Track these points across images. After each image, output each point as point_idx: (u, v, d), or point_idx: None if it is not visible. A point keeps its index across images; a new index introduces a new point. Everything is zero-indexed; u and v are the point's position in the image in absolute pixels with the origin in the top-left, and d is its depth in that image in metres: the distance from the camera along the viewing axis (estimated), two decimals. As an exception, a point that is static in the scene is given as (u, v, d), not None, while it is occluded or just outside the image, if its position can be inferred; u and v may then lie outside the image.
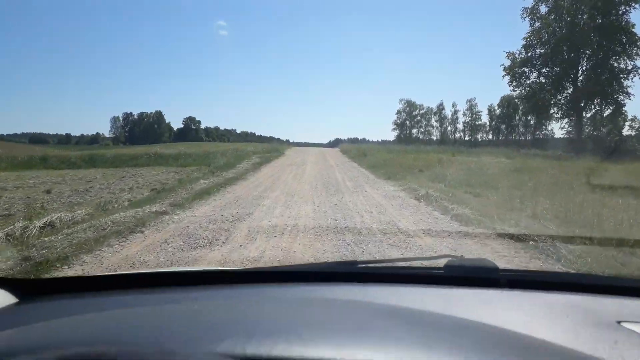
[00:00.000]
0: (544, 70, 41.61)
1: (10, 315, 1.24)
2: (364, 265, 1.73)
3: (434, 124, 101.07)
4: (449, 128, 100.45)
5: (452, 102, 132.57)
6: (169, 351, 0.76)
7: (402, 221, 7.28)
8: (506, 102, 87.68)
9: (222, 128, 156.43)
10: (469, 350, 0.80)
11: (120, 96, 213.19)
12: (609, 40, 37.71)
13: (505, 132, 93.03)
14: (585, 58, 40.52)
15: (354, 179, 15.54)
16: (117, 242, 5.73)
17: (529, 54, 41.69)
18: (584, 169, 17.88)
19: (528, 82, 42.35)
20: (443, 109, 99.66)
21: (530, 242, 5.61)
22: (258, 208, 8.40)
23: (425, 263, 1.81)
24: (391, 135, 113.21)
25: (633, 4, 36.68)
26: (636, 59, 37.50)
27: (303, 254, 5.20)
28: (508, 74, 42.28)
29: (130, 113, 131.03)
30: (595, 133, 42.73)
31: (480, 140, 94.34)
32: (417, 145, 53.97)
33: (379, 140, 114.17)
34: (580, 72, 40.61)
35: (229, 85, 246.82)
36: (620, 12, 37.52)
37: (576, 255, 5.15)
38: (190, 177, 15.47)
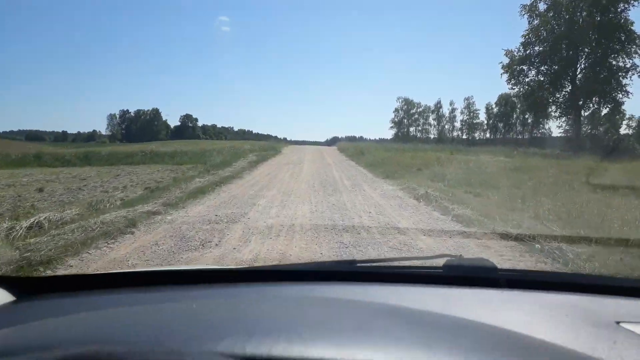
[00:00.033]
0: (542, 68, 41.49)
1: (7, 313, 1.23)
2: (363, 264, 1.72)
3: (432, 122, 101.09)
4: (446, 126, 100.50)
5: (449, 100, 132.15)
6: (168, 350, 0.75)
7: (401, 222, 7.08)
8: (504, 101, 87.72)
9: (219, 126, 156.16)
10: (468, 350, 0.79)
11: (117, 93, 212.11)
12: (608, 38, 37.61)
13: (503, 131, 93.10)
14: (583, 56, 40.43)
15: (352, 177, 15.33)
16: (106, 244, 5.50)
17: (528, 52, 41.54)
18: (584, 168, 17.74)
19: (526, 80, 42.32)
20: (441, 107, 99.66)
21: (536, 245, 5.41)
22: (253, 208, 8.18)
23: (424, 263, 1.80)
24: (389, 133, 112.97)
25: (632, 2, 36.56)
26: (635, 57, 37.53)
27: (299, 257, 4.99)
28: (506, 71, 42.14)
29: (127, 110, 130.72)
30: (593, 132, 42.66)
31: (477, 138, 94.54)
32: (414, 144, 53.82)
33: (377, 138, 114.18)
34: (578, 70, 40.52)
35: (227, 83, 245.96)
36: (619, 9, 37.44)
37: (583, 259, 4.96)
38: (185, 175, 15.27)
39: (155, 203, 8.30)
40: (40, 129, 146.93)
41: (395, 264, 1.81)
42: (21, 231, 5.98)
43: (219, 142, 66.49)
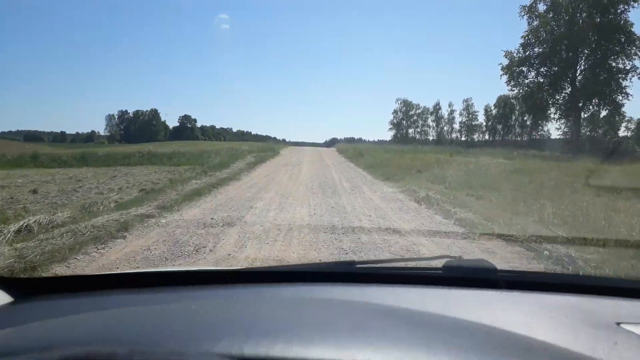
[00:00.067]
0: (542, 69, 41.24)
1: (6, 314, 1.22)
2: (361, 265, 1.71)
3: (431, 124, 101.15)
4: (445, 128, 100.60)
5: (448, 101, 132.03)
6: (166, 351, 0.74)
7: (403, 226, 6.86)
8: (503, 103, 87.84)
9: (218, 127, 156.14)
10: (468, 351, 0.78)
11: (116, 94, 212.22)
12: (608, 40, 37.43)
13: (502, 133, 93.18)
14: (583, 57, 40.22)
15: (351, 179, 15.11)
16: (95, 249, 5.27)
17: (527, 53, 41.29)
18: (585, 170, 17.61)
19: (526, 81, 42.04)
20: (440, 108, 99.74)
21: (545, 252, 5.20)
22: (250, 211, 7.95)
23: (424, 264, 1.81)
24: (387, 135, 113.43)
25: (632, 3, 36.37)
26: (635, 59, 37.28)
27: (298, 262, 4.77)
28: (506, 73, 41.88)
29: (126, 111, 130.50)
30: (592, 134, 42.51)
31: (476, 140, 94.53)
32: (413, 145, 53.75)
33: (376, 140, 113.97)
34: (578, 71, 40.31)
35: (226, 83, 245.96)
36: (619, 11, 37.21)
37: (593, 266, 4.77)
38: (182, 176, 15.06)
39: (150, 206, 8.06)
40: (39, 130, 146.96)
41: (395, 265, 1.81)
42: (9, 235, 5.76)
43: (217, 143, 66.35)
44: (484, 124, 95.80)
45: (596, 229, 6.78)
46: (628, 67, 37.52)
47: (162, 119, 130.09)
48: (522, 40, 41.41)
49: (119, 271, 2.94)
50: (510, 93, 46.85)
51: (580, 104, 40.25)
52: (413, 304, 1.24)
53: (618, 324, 1.16)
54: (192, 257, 4.95)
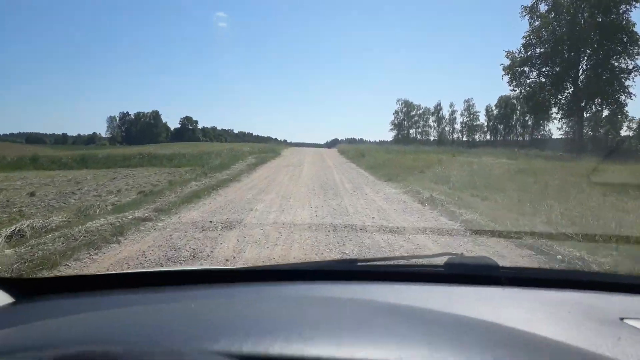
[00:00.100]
0: (544, 69, 41.02)
1: (7, 314, 1.22)
2: (363, 263, 1.69)
3: (432, 124, 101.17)
4: (446, 128, 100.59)
5: (449, 102, 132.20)
6: (166, 350, 0.73)
7: (407, 229, 6.65)
8: (504, 103, 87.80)
9: (219, 128, 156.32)
10: (470, 347, 0.77)
11: (117, 95, 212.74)
12: (610, 40, 37.19)
13: (503, 133, 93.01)
14: (585, 57, 39.97)
15: (353, 180, 14.89)
16: (88, 255, 5.05)
17: (529, 53, 41.07)
18: (589, 170, 17.40)
19: (528, 81, 41.82)
20: (441, 109, 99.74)
21: (558, 256, 4.99)
22: (250, 213, 7.74)
23: (426, 261, 1.79)
24: (389, 135, 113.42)
25: (634, 3, 36.13)
26: (637, 59, 37.04)
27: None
28: (507, 73, 41.69)
29: (127, 113, 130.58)
30: (594, 133, 42.31)
31: (477, 140, 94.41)
32: (415, 146, 53.57)
33: (377, 140, 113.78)
34: (580, 71, 40.05)
35: (227, 85, 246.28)
36: (620, 10, 36.94)
37: (607, 269, 4.55)
38: (182, 178, 14.87)
39: (147, 208, 7.85)
40: (41, 132, 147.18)
41: (397, 262, 1.79)
42: (0, 240, 5.57)
43: (218, 144, 66.22)
44: (485, 124, 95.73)
45: (607, 230, 6.58)
46: (630, 67, 37.34)
47: (164, 121, 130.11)
48: (523, 41, 41.24)
49: (119, 271, 2.89)
50: (512, 93, 46.73)
51: (583, 104, 39.99)
52: (415, 301, 1.24)
53: (621, 319, 1.15)
54: (188, 263, 4.74)
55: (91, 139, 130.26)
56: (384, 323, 0.93)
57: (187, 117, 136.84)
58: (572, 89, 40.29)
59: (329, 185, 12.92)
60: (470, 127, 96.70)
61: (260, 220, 7.09)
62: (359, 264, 1.64)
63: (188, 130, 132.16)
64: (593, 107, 41.12)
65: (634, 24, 36.58)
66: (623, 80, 37.75)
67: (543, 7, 40.14)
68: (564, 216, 7.56)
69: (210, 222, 6.95)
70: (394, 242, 5.74)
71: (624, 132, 42.09)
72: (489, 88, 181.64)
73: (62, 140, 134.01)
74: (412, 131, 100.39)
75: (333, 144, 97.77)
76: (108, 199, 10.78)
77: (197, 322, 0.93)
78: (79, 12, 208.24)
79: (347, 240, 5.79)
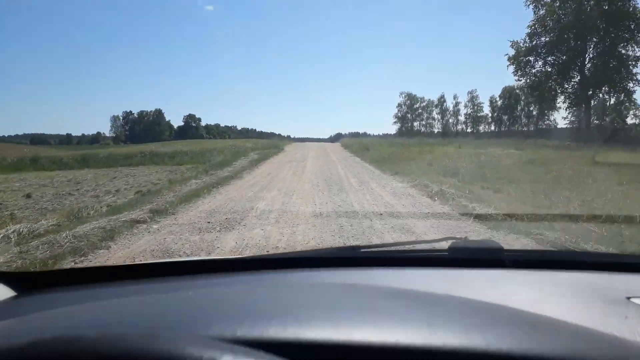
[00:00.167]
0: (549, 58, 40.56)
1: (7, 308, 1.21)
2: (366, 250, 1.67)
3: (436, 116, 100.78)
4: (450, 120, 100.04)
5: (453, 94, 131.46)
6: (138, 332, 0.68)
7: (417, 225, 6.23)
8: (508, 93, 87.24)
9: (222, 125, 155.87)
10: (472, 327, 0.74)
11: (120, 94, 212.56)
12: (617, 27, 36.72)
13: (508, 123, 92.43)
14: (592, 45, 39.48)
15: (358, 174, 14.46)
16: (72, 263, 4.65)
17: (534, 43, 40.61)
18: (600, 158, 16.94)
19: (533, 71, 41.38)
20: (444, 101, 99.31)
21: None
22: (251, 213, 7.31)
23: (429, 246, 1.78)
24: (392, 128, 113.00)
25: (640, -11, 35.49)
26: (644, 46, 36.44)
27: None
28: (512, 63, 41.28)
29: (130, 112, 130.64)
30: (600, 122, 41.74)
31: (482, 131, 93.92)
32: (419, 138, 53.24)
33: (380, 134, 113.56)
34: (587, 60, 39.48)
35: (230, 82, 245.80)
36: (627, -3, 36.30)
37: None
38: (183, 176, 14.51)
39: (143, 209, 7.44)
40: (45, 132, 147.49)
41: (400, 248, 1.75)
42: (-19, 248, 5.19)
43: (221, 141, 65.86)
44: (490, 115, 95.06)
45: (631, 223, 6.16)
46: (638, 54, 37.03)
47: (167, 119, 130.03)
48: (528, 30, 40.75)
49: (120, 263, 2.88)
50: (517, 83, 46.21)
51: (590, 92, 39.42)
52: (418, 286, 1.23)
53: (628, 298, 1.14)
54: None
55: (95, 139, 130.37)
56: (384, 306, 0.89)
57: (190, 114, 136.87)
58: (578, 78, 39.76)
59: (333, 180, 12.49)
60: (475, 118, 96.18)
61: (261, 220, 6.66)
62: (361, 250, 1.62)
63: (191, 128, 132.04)
64: (600, 95, 40.56)
65: (641, 11, 35.94)
66: (631, 67, 37.34)
67: (547, -4, 39.51)
68: (583, 208, 7.15)
69: (208, 222, 6.54)
70: (404, 240, 5.32)
71: (630, 120, 41.37)
72: (493, 80, 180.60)
73: (66, 140, 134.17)
74: (415, 124, 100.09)
75: (336, 138, 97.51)
76: (105, 199, 10.42)
77: (193, 309, 0.89)
78: (79, 11, 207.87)
79: (354, 241, 5.38)
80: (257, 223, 6.46)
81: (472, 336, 0.69)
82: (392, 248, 1.76)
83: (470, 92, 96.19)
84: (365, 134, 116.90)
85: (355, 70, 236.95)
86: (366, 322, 0.75)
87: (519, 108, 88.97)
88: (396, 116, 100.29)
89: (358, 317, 0.79)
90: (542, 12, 39.86)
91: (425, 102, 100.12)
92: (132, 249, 5.18)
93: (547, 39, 39.99)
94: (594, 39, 38.89)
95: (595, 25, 37.14)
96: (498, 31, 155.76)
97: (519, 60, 40.76)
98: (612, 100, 40.16)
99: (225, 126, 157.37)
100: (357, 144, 35.71)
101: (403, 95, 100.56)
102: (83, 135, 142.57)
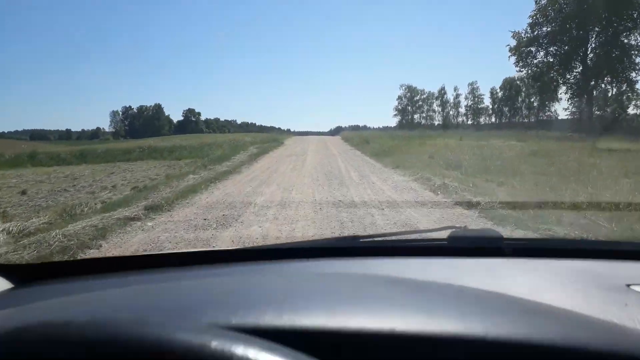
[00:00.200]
0: (551, 49, 40.21)
1: (5, 300, 1.20)
2: (365, 239, 1.63)
3: (436, 108, 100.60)
4: (451, 112, 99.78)
5: (453, 86, 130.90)
6: (128, 317, 0.71)
7: (421, 221, 6.02)
8: (508, 85, 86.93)
9: (222, 119, 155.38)
10: (470, 315, 0.74)
11: (119, 89, 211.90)
12: (619, 16, 36.26)
13: (508, 115, 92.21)
14: (594, 35, 39.07)
15: (359, 168, 14.24)
16: (60, 265, 4.47)
17: (536, 33, 40.18)
18: (603, 150, 16.73)
19: (535, 61, 41.01)
20: (445, 93, 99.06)
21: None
22: (249, 209, 7.10)
23: (429, 235, 1.73)
24: (392, 121, 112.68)
25: (643, -22, 35.07)
26: (647, 35, 36.07)
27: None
28: (514, 54, 40.90)
29: (130, 107, 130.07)
30: (601, 112, 41.41)
31: (483, 123, 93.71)
32: (420, 131, 52.99)
33: (381, 126, 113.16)
34: (589, 49, 39.12)
35: (229, 75, 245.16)
36: (630, -14, 35.86)
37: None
38: (181, 171, 14.32)
39: (138, 206, 7.24)
40: (45, 128, 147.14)
41: (399, 237, 1.76)
42: (-33, 248, 4.99)
43: (221, 135, 65.62)
44: (490, 106, 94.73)
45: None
46: (641, 44, 36.37)
47: (166, 114, 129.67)
48: (530, 20, 40.31)
49: (119, 254, 2.71)
50: (519, 74, 45.92)
51: (592, 83, 39.08)
52: (417, 274, 1.23)
53: (628, 285, 1.13)
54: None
55: (95, 134, 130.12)
56: (381, 294, 0.87)
57: (189, 109, 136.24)
58: (580, 68, 39.40)
59: (333, 174, 12.27)
60: (475, 110, 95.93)
61: (259, 217, 6.45)
62: (361, 240, 1.60)
63: (191, 123, 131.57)
64: (602, 85, 40.23)
65: (644, 0, 35.55)
66: (633, 57, 36.96)
67: (549, -15, 39.08)
68: (591, 201, 6.93)
69: (205, 219, 6.33)
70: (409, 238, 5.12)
71: (632, 110, 41.02)
72: (494, 71, 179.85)
73: (66, 135, 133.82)
74: (416, 116, 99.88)
75: (337, 131, 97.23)
76: (100, 195, 10.24)
77: (187, 297, 0.87)
78: (78, 9, 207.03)
79: (355, 237, 5.17)
80: (255, 220, 6.25)
81: (471, 323, 0.69)
82: (392, 238, 1.75)
83: (471, 84, 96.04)
84: (365, 127, 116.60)
85: (355, 63, 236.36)
86: (363, 309, 0.75)
87: (520, 99, 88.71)
88: (396, 109, 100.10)
89: (355, 305, 0.78)
90: (543, 1, 39.43)
91: (426, 95, 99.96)
92: (125, 248, 4.98)
93: (549, 29, 39.59)
94: (597, 29, 38.46)
95: (597, 14, 36.69)
96: (499, 22, 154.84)
97: (521, 50, 40.38)
98: (614, 91, 39.79)
99: (225, 120, 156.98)
100: (358, 137, 35.47)
101: (403, 87, 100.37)
102: (83, 130, 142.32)
